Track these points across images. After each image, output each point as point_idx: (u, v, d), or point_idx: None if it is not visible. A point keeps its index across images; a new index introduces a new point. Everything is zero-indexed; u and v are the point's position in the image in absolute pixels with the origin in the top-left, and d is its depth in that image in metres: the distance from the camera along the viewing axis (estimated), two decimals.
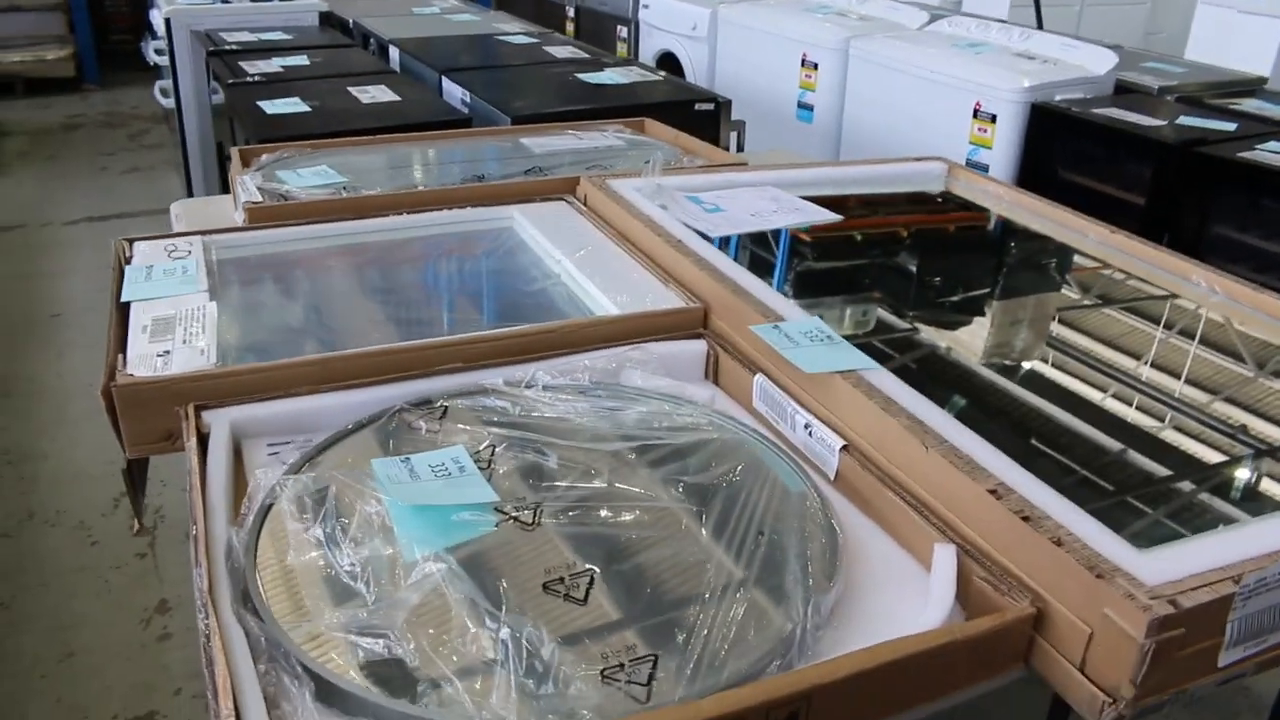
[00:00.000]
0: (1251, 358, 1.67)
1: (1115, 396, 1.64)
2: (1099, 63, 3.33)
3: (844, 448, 1.22)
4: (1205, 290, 1.75)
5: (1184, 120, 2.99)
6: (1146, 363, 1.75)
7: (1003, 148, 3.16)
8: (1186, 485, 1.43)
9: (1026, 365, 1.85)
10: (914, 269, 2.18)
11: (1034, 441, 1.50)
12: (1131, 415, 1.58)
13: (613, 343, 1.47)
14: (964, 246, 2.23)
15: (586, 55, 3.39)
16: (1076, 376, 1.72)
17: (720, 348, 1.47)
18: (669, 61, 4.75)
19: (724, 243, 2.09)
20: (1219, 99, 3.44)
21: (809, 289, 2.04)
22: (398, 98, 2.89)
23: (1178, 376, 1.67)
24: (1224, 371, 1.66)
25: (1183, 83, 3.55)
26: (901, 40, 3.66)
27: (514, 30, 3.89)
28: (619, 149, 2.42)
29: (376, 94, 2.92)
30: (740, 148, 2.93)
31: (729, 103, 2.81)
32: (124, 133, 6.44)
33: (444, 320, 1.72)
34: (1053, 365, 1.80)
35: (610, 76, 3.04)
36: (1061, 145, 3.11)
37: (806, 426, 1.26)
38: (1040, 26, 5.54)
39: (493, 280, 1.86)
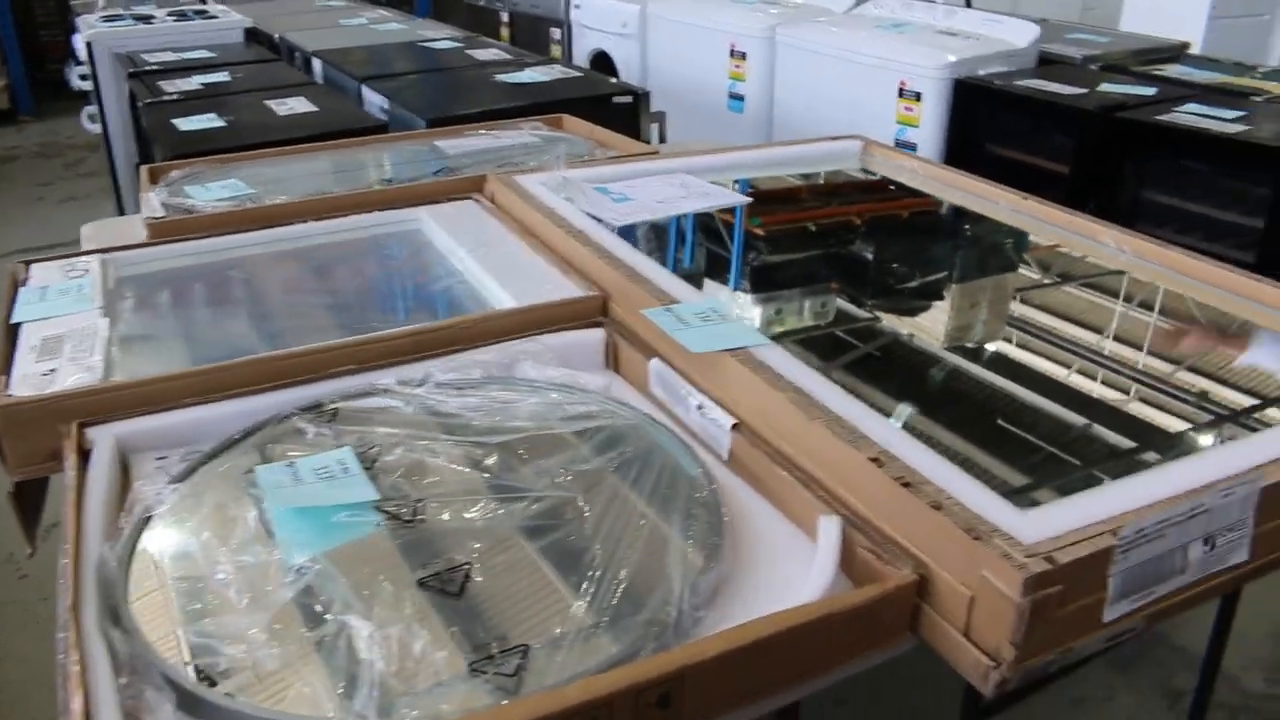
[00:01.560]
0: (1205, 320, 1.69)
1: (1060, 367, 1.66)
2: (1021, 36, 3.33)
3: (735, 426, 1.20)
4: (1114, 250, 1.74)
5: (1105, 88, 3.00)
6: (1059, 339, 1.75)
7: (929, 125, 3.16)
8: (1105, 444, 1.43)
9: (968, 341, 1.87)
10: (863, 254, 2.18)
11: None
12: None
13: (509, 336, 1.45)
14: (911, 229, 2.21)
15: (509, 57, 3.36)
16: (1031, 351, 1.74)
17: (619, 335, 1.45)
18: (602, 61, 4.73)
19: (679, 243, 2.10)
20: (1142, 66, 3.45)
21: (763, 281, 2.03)
22: (315, 108, 2.85)
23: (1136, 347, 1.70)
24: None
25: (1106, 52, 3.57)
26: (826, 24, 3.66)
27: (439, 36, 3.86)
28: (534, 146, 2.40)
29: (294, 106, 2.88)
30: (662, 139, 2.92)
31: (647, 95, 2.79)
32: (60, 162, 6.34)
33: (347, 325, 1.69)
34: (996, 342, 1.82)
35: (530, 76, 3.01)
36: (987, 119, 3.11)
37: (699, 407, 1.24)
38: (969, 4, 5.57)
39: (398, 282, 1.83)
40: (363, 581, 1.00)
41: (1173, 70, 3.39)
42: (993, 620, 0.91)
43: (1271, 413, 1.50)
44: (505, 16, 5.77)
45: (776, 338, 1.97)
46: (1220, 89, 3.13)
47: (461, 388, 1.34)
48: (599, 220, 1.78)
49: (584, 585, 0.99)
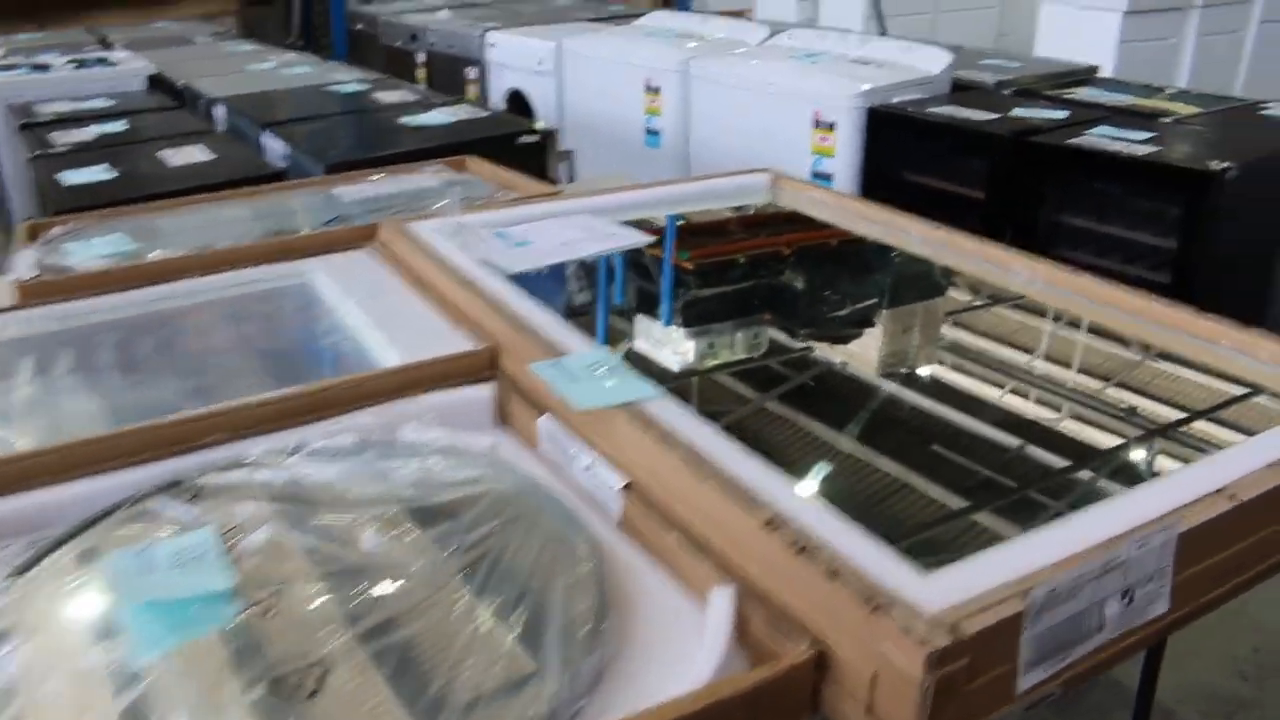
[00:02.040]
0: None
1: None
2: (934, 63, 3.33)
3: (626, 487, 1.11)
4: (1027, 279, 1.70)
5: (1018, 112, 2.99)
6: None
7: (845, 155, 3.13)
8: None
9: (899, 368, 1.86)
10: (793, 284, 2.16)
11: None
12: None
13: (392, 396, 1.35)
14: (840, 258, 2.19)
15: (415, 98, 3.28)
16: (964, 373, 1.74)
17: (510, 390, 1.36)
18: (518, 100, 4.66)
19: (609, 280, 2.04)
20: (1054, 90, 3.46)
21: (694, 315, 2.01)
22: (212, 157, 2.74)
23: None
24: (1115, 359, 1.67)
25: (1019, 76, 3.57)
26: (739, 57, 3.63)
27: (347, 79, 3.77)
28: (436, 190, 2.31)
29: (190, 155, 2.77)
30: (571, 177, 2.85)
31: (554, 133, 2.72)
32: None
33: (222, 390, 1.58)
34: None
35: (436, 118, 2.93)
36: (902, 147, 3.08)
37: (588, 467, 1.16)
38: (884, 32, 5.60)
39: (281, 341, 1.73)
40: (208, 686, 0.90)
41: (1083, 93, 3.41)
42: (896, 699, 0.84)
43: (1199, 425, 1.49)
44: (421, 57, 5.69)
45: (710, 371, 1.95)
46: (1130, 111, 3.14)
47: (337, 456, 1.24)
48: (494, 266, 1.70)
49: (455, 675, 0.90)
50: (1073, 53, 5.74)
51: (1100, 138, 2.69)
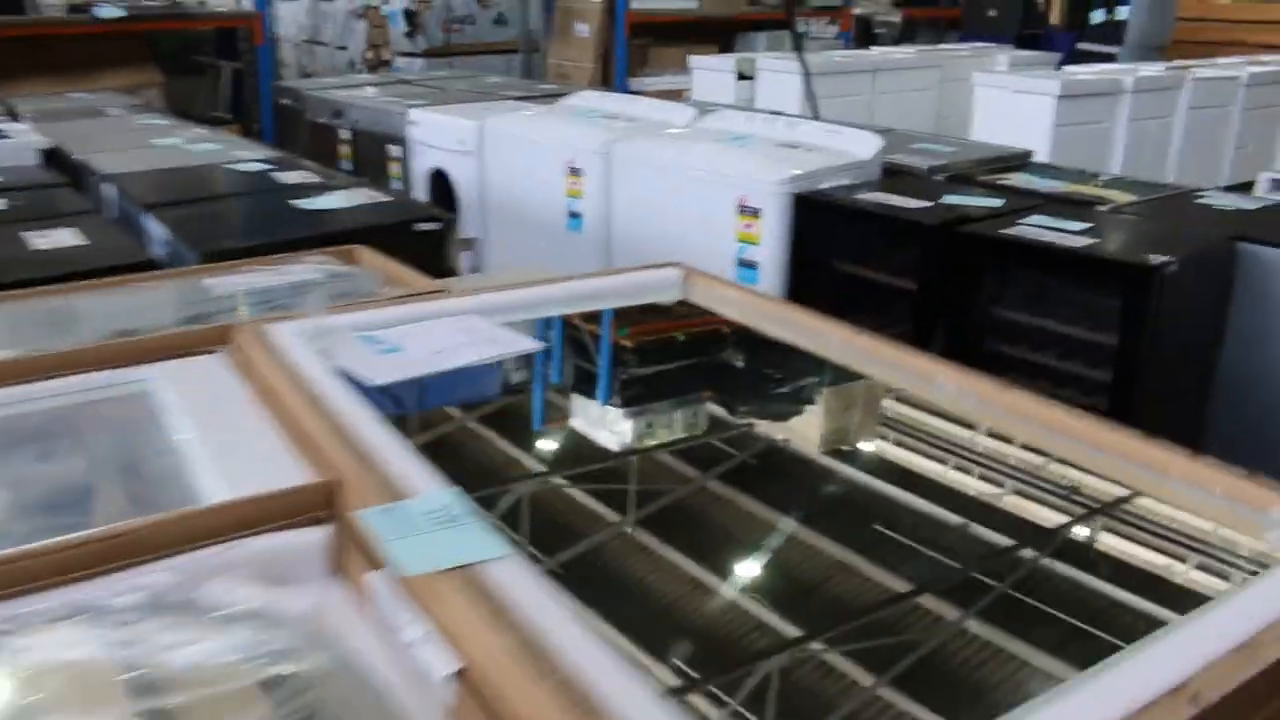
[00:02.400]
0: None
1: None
2: (864, 147, 3.20)
3: (458, 673, 0.90)
4: (954, 393, 1.52)
5: (949, 199, 2.86)
6: None
7: (771, 243, 2.98)
8: None
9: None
10: (733, 362, 2.15)
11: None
12: None
13: (207, 541, 1.13)
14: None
15: (316, 180, 3.09)
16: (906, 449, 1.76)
17: (349, 536, 1.15)
18: (440, 180, 4.49)
19: (545, 359, 2.01)
20: (988, 175, 3.35)
21: (633, 394, 2.00)
22: (84, 242, 2.52)
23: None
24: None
25: (952, 161, 3.47)
26: (664, 139, 3.48)
27: (252, 158, 3.57)
28: (314, 284, 2.11)
29: (59, 239, 2.54)
30: (477, 267, 2.66)
31: (453, 220, 2.53)
32: None
33: (24, 527, 1.35)
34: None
35: (331, 201, 2.73)
36: (831, 235, 2.94)
37: (413, 644, 0.95)
38: (817, 116, 5.52)
39: (101, 466, 1.50)
40: None
41: (1018, 179, 3.30)
42: None
43: (1142, 502, 1.45)
44: (345, 135, 5.52)
45: (650, 450, 1.91)
46: (1065, 198, 3.03)
47: (119, 623, 1.02)
48: (354, 378, 1.49)
49: None
50: (1009, 135, 5.71)
51: (1035, 228, 2.56)
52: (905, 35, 10.19)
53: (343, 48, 12.56)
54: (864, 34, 10.26)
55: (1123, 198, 3.05)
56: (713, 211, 3.11)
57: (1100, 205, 2.94)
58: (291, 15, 13.64)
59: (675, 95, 8.19)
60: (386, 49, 11.53)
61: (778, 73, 7.15)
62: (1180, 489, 1.25)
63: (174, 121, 4.78)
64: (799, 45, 6.48)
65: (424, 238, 2.48)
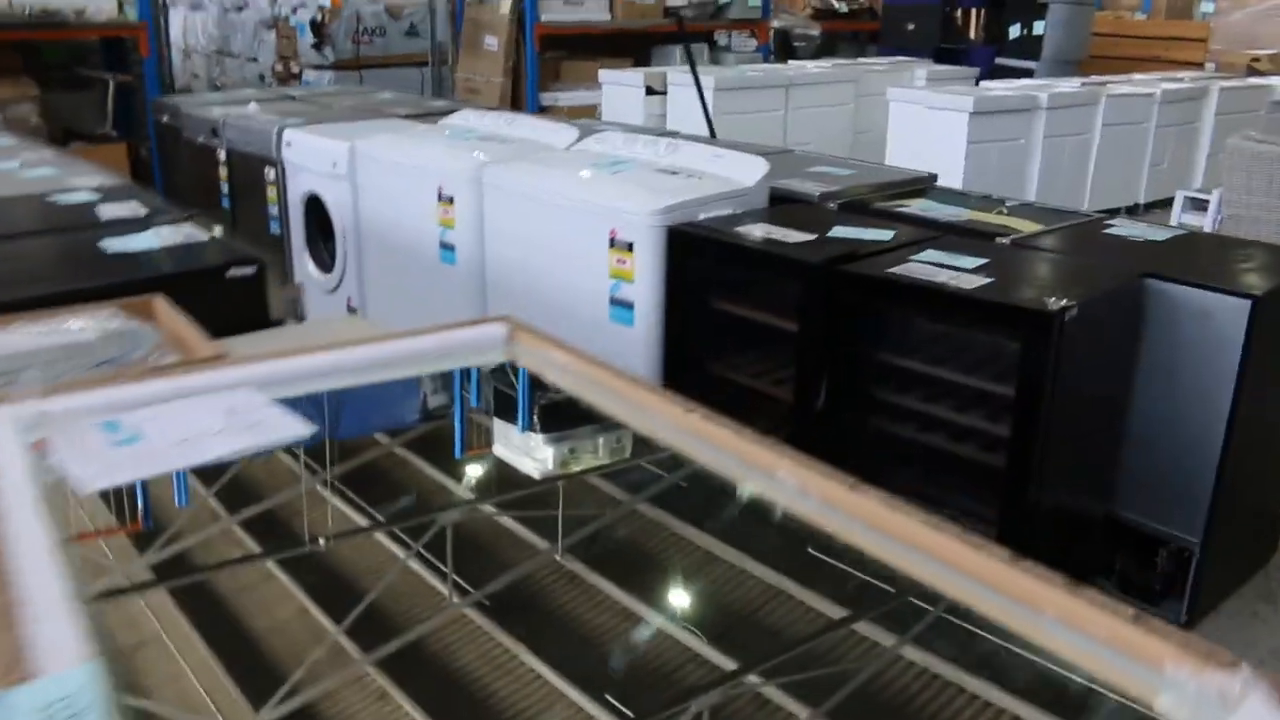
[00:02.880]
0: None
1: None
2: (748, 173, 2.94)
3: None
4: (796, 490, 1.26)
5: (838, 232, 2.61)
6: None
7: (646, 280, 2.71)
8: None
9: None
10: None
11: None
12: None
13: None
14: None
15: (142, 214, 2.75)
16: None
17: None
18: (316, 205, 4.17)
19: (463, 380, 1.87)
20: (886, 202, 3.11)
21: (554, 420, 1.90)
22: None
23: None
24: None
25: (849, 187, 3.22)
26: (537, 165, 3.20)
27: (84, 185, 3.22)
28: (88, 346, 1.80)
29: None
30: (301, 317, 2.36)
31: (263, 267, 2.22)
32: None
33: None
34: None
35: (145, 241, 2.41)
36: (708, 273, 2.68)
37: None
38: (713, 135, 5.28)
39: None
40: None
41: (917, 206, 3.07)
42: None
43: None
44: (222, 155, 5.17)
45: (578, 474, 1.90)
46: (964, 229, 2.80)
47: None
48: (74, 480, 1.19)
49: None
50: (923, 151, 5.54)
51: (925, 265, 2.32)
52: (825, 49, 10.02)
53: (254, 59, 12.14)
54: (783, 47, 10.10)
55: (1027, 227, 2.82)
56: (586, 245, 2.83)
57: (1002, 236, 2.71)
58: (202, 25, 13.20)
59: (587, 111, 7.93)
60: (296, 61, 11.12)
61: (689, 87, 6.91)
62: (1057, 632, 0.99)
63: (18, 142, 4.40)
64: (691, 59, 6.26)
65: (239, 284, 2.17)
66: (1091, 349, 2.24)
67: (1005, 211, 3.05)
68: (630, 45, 8.94)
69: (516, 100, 8.50)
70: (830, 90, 7.43)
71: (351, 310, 3.92)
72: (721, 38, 10.00)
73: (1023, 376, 2.13)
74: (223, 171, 5.19)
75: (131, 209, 2.88)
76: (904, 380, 2.37)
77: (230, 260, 2.19)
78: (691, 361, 2.70)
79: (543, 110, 8.44)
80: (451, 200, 3.34)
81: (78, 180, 3.40)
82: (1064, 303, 2.08)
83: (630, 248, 2.73)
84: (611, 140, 3.38)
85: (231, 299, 2.08)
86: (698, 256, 2.64)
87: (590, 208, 2.82)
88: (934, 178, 3.50)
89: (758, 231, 2.58)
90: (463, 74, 8.85)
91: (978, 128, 5.66)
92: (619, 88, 7.31)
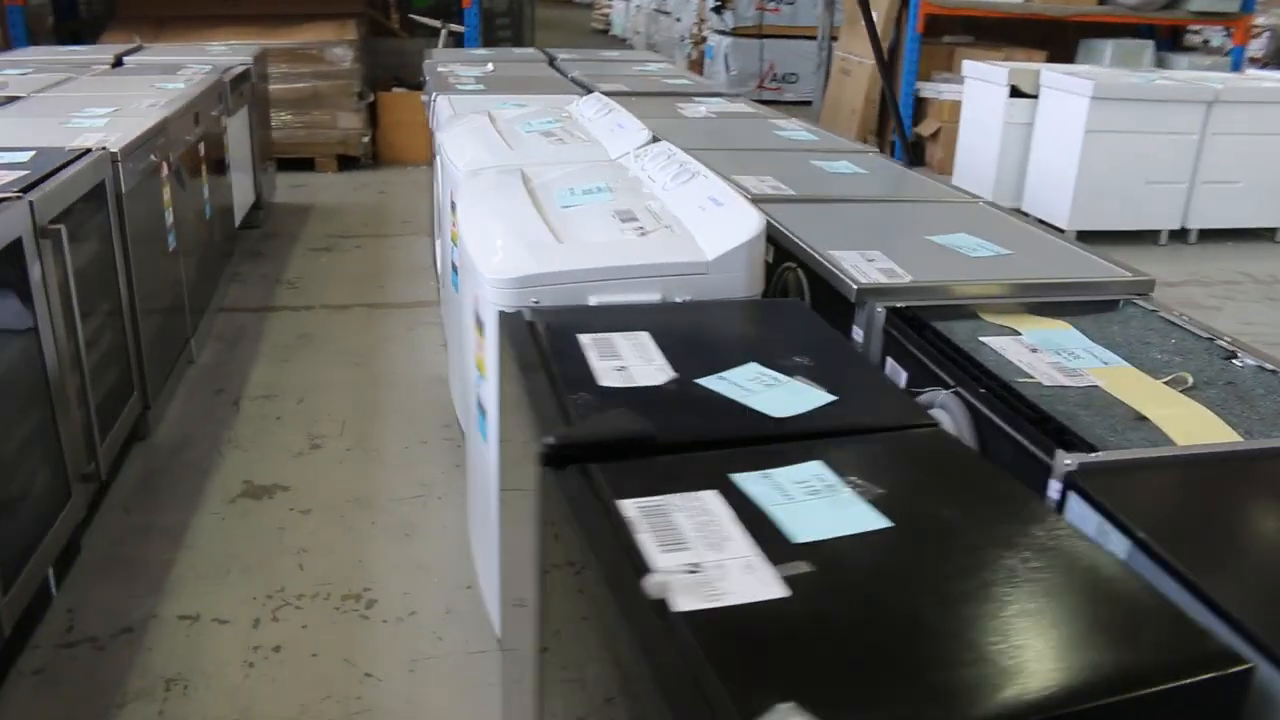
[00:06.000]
0: None
1: None
2: (720, 241, 1.81)
3: None
4: None
5: (740, 377, 1.45)
6: None
7: (496, 378, 1.71)
8: None
9: None
10: None
11: None
12: None
13: None
14: None
15: None
16: None
17: None
18: None
19: None
20: (1005, 317, 1.82)
21: None
22: None
23: None
24: None
25: (949, 284, 1.95)
26: (502, 187, 2.24)
27: None
28: None
29: None
30: None
31: None
32: None
33: None
34: None
35: None
36: None
37: None
38: (907, 149, 3.89)
39: None
40: None
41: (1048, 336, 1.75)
42: None
43: None
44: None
45: None
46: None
47: None
48: None
49: None
50: None
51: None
52: None
53: (678, 19, 11.82)
54: None
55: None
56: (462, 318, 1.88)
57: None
58: None
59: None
60: (706, 24, 10.61)
61: (1063, 93, 5.40)
62: None
63: None
64: (867, 13, 4.80)
65: None
66: None
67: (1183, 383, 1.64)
68: (1052, 35, 7.33)
69: (889, 87, 7.27)
70: (1278, 112, 5.51)
71: None
72: (1216, 36, 8.02)
73: None
74: None
75: None
76: None
77: None
78: None
79: (920, 104, 7.15)
80: (454, 209, 2.50)
81: None
82: None
83: (482, 328, 1.75)
84: (659, 157, 2.34)
85: None
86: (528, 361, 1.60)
87: (468, 264, 1.86)
88: (1150, 285, 2.06)
89: (593, 353, 1.48)
90: (841, 52, 7.76)
91: None
92: (982, 84, 5.90)
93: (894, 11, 7.07)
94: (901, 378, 1.69)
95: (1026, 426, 1.36)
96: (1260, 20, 7.82)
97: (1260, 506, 1.23)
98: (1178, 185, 5.50)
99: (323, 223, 5.29)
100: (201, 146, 3.83)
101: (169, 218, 3.26)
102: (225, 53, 5.14)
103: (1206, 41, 8.37)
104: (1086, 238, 5.54)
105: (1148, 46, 7.28)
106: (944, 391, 1.53)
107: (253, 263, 4.62)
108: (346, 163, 6.41)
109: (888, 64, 7.26)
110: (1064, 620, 0.94)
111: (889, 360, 1.73)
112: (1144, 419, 1.43)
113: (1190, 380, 1.60)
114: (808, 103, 8.34)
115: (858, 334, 1.80)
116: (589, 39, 14.01)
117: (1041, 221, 5.88)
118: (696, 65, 10.52)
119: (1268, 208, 5.67)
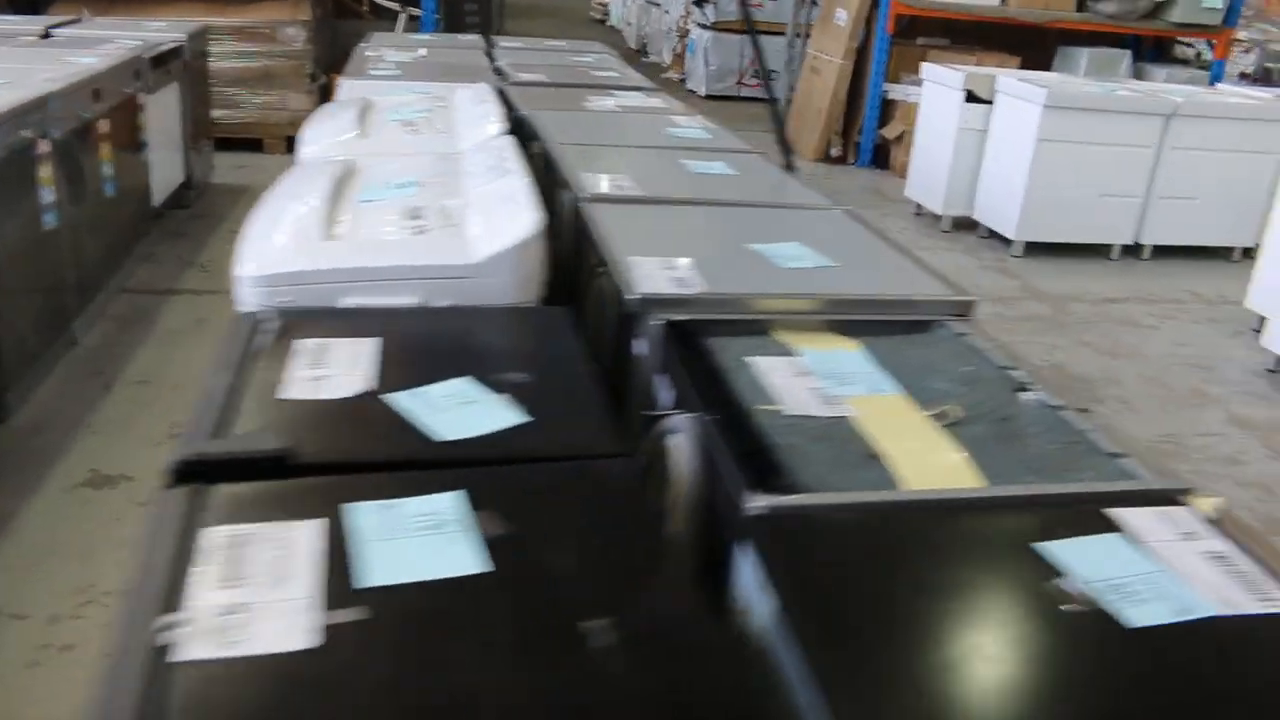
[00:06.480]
0: None
1: None
2: (493, 241, 1.72)
3: None
4: None
5: None
6: None
7: None
8: None
9: None
10: None
11: None
12: None
13: None
14: None
15: None
16: None
17: None
18: None
19: None
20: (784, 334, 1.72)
21: None
22: None
23: None
24: None
25: (739, 296, 1.86)
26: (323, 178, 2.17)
27: None
28: None
29: None
30: None
31: None
32: None
33: None
34: None
35: None
36: None
37: None
38: (786, 149, 3.80)
39: None
40: None
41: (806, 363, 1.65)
42: None
43: None
44: None
45: None
46: None
47: None
48: None
49: None
50: None
51: None
52: None
53: (666, 11, 11.71)
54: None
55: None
56: None
57: None
58: None
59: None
60: (690, 18, 10.50)
61: (1017, 99, 5.28)
62: None
63: None
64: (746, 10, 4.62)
65: None
66: None
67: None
68: (1028, 40, 7.20)
69: (858, 88, 7.16)
70: (1241, 129, 5.37)
71: None
72: (1206, 49, 7.87)
73: None
74: None
75: None
76: None
77: None
78: None
79: (887, 106, 7.03)
80: None
81: None
82: None
83: None
84: (487, 152, 2.25)
85: None
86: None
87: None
88: (969, 306, 1.96)
89: (300, 359, 1.40)
90: (812, 50, 7.64)
91: None
92: (938, 88, 5.79)
93: (864, 10, 6.95)
94: (669, 397, 1.60)
95: (727, 461, 1.26)
96: (1245, 35, 7.67)
97: (935, 566, 1.12)
98: (1132, 199, 5.37)
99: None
100: (105, 124, 3.74)
101: (47, 195, 3.18)
102: (163, 29, 5.06)
103: (1199, 55, 8.21)
104: (1035, 250, 5.42)
105: (1124, 56, 7.14)
106: (683, 416, 1.44)
107: (170, 243, 4.54)
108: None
109: (853, 63, 7.15)
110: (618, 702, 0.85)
111: (656, 378, 1.64)
112: (875, 457, 1.33)
113: (960, 414, 1.50)
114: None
115: (641, 346, 1.71)
116: (582, 29, 13.89)
117: (992, 232, 5.79)
118: (680, 59, 10.40)
119: (1225, 226, 5.55)
